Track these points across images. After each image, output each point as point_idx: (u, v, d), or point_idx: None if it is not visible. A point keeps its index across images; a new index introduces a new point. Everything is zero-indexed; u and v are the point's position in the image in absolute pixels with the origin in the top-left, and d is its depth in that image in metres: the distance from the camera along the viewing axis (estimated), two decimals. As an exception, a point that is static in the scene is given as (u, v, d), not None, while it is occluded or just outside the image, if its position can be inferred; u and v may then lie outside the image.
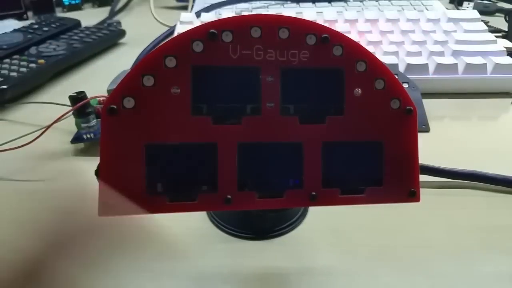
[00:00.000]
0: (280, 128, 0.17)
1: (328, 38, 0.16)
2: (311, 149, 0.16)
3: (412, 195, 0.17)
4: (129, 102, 0.16)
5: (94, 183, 0.17)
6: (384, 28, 0.48)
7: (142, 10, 0.78)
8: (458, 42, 0.45)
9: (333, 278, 0.23)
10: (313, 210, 0.27)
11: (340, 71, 0.16)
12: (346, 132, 0.16)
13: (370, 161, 0.17)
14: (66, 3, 0.69)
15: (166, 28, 0.57)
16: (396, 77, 0.16)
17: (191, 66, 0.16)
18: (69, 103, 0.33)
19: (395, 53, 0.44)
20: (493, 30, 0.51)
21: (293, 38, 0.16)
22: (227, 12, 0.61)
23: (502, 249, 0.25)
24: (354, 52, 0.16)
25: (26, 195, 0.28)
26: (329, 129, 0.16)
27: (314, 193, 0.17)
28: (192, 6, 0.67)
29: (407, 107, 0.16)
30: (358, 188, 0.17)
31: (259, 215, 0.25)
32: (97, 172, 0.16)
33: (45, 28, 0.54)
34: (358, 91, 0.16)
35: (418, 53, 0.44)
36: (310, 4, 0.60)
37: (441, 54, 0.44)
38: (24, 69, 0.43)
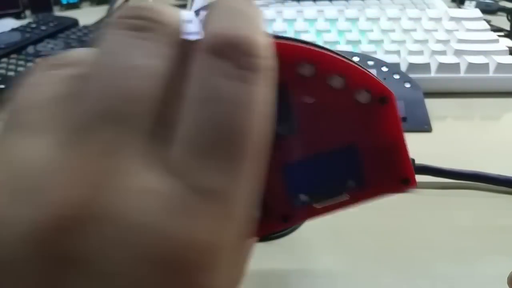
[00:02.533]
0: None
1: None
2: (273, 175, 0.14)
3: (405, 183, 0.15)
4: None
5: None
6: (386, 26, 0.48)
7: (141, 8, 0.77)
8: (460, 41, 0.45)
9: (333, 280, 0.23)
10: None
11: (281, 85, 0.13)
12: (307, 147, 0.14)
13: (345, 165, 0.15)
14: (64, 2, 0.69)
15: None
16: (360, 66, 0.14)
17: None
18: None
19: (397, 52, 0.43)
20: (495, 29, 0.50)
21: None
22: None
23: (504, 250, 0.24)
24: (292, 55, 0.13)
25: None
26: (285, 153, 0.14)
27: (286, 214, 0.15)
28: (191, 4, 0.66)
29: (381, 97, 0.14)
30: (336, 194, 0.15)
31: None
32: None
33: (43, 27, 0.54)
34: (310, 99, 0.14)
35: (420, 52, 0.43)
36: (310, 2, 0.60)
37: (443, 53, 0.43)
38: (22, 69, 0.43)
